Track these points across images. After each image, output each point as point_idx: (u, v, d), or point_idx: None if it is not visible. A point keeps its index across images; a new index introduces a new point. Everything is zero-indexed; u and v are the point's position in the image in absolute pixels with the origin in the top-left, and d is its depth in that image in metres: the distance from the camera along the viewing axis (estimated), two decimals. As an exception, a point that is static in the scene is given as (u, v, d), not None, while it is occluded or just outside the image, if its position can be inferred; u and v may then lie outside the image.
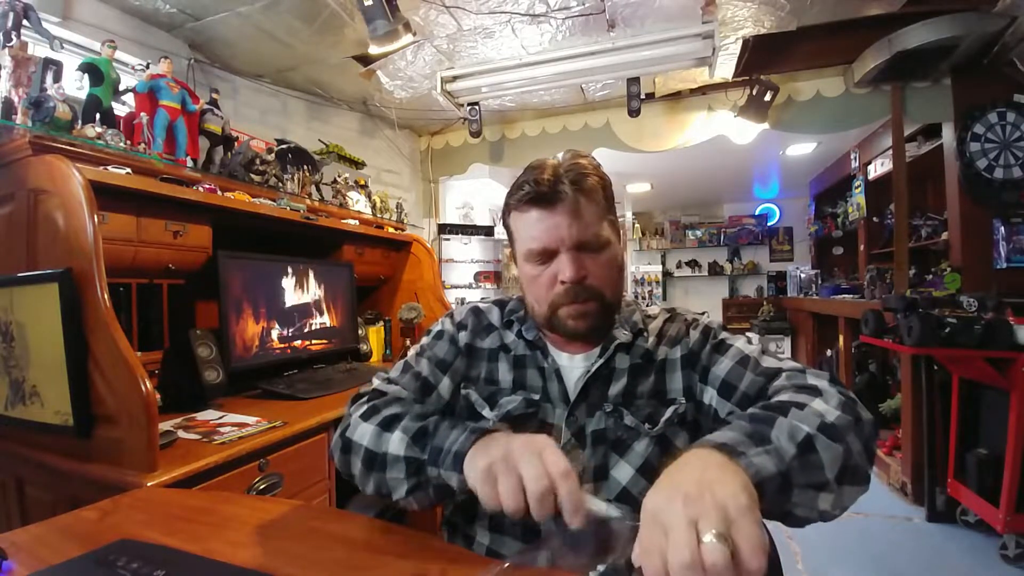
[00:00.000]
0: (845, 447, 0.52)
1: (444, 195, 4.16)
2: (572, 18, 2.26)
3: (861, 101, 2.74)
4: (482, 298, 1.05)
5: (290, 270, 1.85)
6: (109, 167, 1.27)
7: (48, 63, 1.28)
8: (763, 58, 2.53)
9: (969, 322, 1.97)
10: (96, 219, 1.05)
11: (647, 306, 0.85)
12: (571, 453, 0.72)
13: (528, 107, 3.24)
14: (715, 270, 6.86)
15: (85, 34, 1.71)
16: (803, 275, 5.19)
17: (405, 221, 2.78)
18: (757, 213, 6.85)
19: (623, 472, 0.70)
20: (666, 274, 7.01)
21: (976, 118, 2.48)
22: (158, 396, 1.02)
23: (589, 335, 0.75)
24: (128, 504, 0.77)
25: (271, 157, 1.99)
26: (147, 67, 1.60)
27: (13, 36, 1.27)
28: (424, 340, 0.86)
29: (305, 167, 2.19)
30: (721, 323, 0.80)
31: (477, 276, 4.39)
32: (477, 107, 2.93)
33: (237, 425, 1.24)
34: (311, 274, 1.94)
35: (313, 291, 1.95)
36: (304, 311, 1.90)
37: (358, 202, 2.44)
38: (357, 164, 2.72)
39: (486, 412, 0.77)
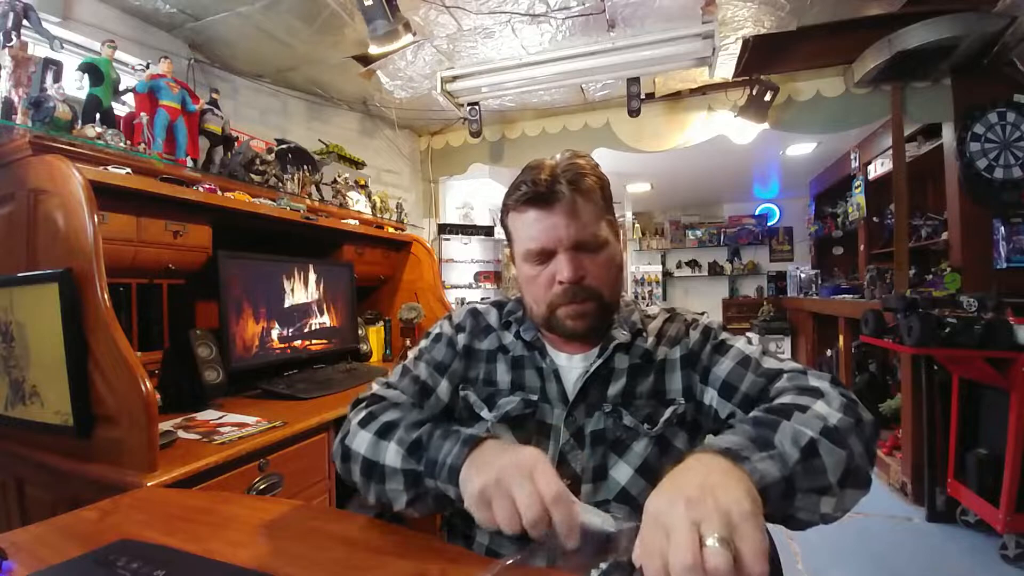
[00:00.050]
0: (848, 451, 0.52)
1: (444, 195, 4.16)
2: (572, 18, 2.26)
3: (861, 101, 2.74)
4: (481, 299, 1.05)
5: (290, 270, 1.85)
6: (109, 167, 1.27)
7: (48, 63, 1.28)
8: (763, 58, 2.53)
9: (969, 322, 1.97)
10: (96, 219, 1.05)
11: (647, 306, 0.85)
12: (570, 454, 0.72)
13: (528, 107, 3.24)
14: (715, 270, 6.86)
15: (85, 34, 1.72)
16: (803, 275, 5.18)
17: (405, 221, 2.78)
18: (757, 213, 6.85)
19: (622, 472, 0.70)
20: (666, 274, 7.01)
21: (976, 118, 2.49)
22: (158, 396, 1.02)
23: (587, 335, 0.75)
24: (128, 504, 0.77)
25: (271, 157, 1.99)
26: (147, 67, 1.60)
27: (13, 36, 1.27)
28: (422, 343, 0.86)
29: (305, 167, 2.19)
30: (721, 323, 0.80)
31: (477, 276, 4.39)
32: (477, 107, 2.93)
33: (237, 425, 1.24)
34: (311, 274, 1.94)
35: (313, 291, 1.94)
36: (304, 311, 1.90)
37: (358, 202, 2.44)
38: (357, 164, 2.72)
39: (484, 413, 0.77)
